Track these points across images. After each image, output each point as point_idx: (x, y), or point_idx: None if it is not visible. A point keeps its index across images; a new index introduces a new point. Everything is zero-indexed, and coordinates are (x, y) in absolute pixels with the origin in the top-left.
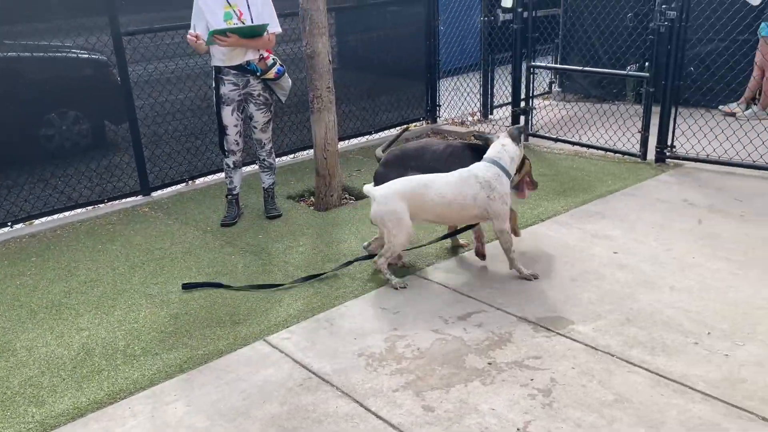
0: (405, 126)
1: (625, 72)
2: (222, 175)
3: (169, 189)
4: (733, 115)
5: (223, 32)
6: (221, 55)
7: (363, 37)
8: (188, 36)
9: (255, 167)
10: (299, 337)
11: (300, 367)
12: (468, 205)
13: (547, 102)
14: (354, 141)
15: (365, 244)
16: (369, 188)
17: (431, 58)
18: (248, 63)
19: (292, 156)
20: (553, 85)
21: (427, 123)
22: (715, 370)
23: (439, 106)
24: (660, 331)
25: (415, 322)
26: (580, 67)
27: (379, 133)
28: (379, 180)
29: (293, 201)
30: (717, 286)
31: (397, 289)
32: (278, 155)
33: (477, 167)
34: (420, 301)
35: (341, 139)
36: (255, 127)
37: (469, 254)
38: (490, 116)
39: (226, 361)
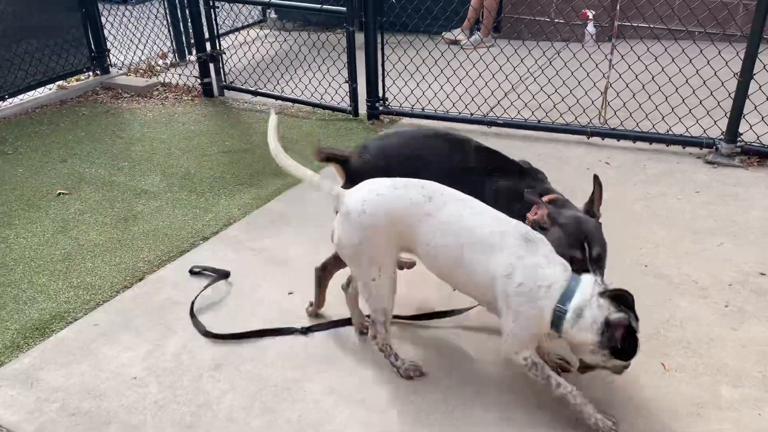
0: None
1: (318, 6)
2: None
3: None
4: (457, 42)
5: None
6: None
7: None
8: None
9: None
10: None
11: None
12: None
13: (262, 32)
14: None
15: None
16: (339, 190)
17: None
18: None
19: None
20: (269, 12)
21: (95, 75)
22: None
23: (108, 50)
24: None
25: None
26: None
27: (16, 98)
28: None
29: None
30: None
31: (411, 378)
32: None
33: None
34: None
35: None
36: None
37: None
38: (189, 57)
39: None
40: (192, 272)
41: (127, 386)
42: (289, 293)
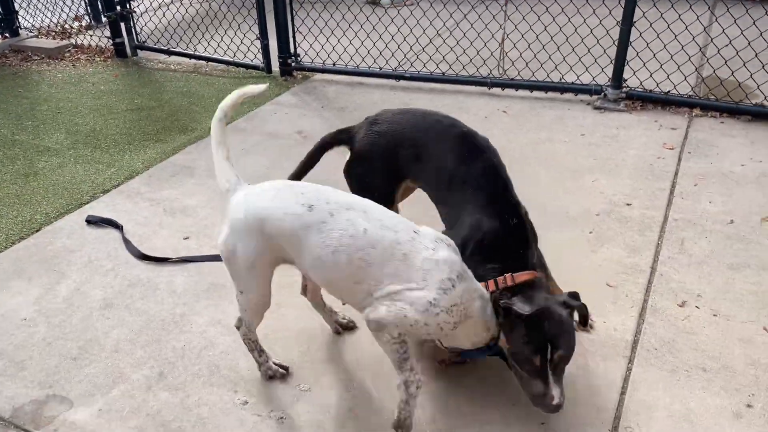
0: None
1: None
2: None
3: None
4: (376, 3)
5: None
6: None
7: None
8: None
9: None
10: None
11: None
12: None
13: None
14: None
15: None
16: (228, 186)
17: None
18: None
19: None
20: None
21: (4, 38)
22: None
23: (16, 12)
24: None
25: None
26: None
27: None
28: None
29: None
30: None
31: (273, 377)
32: None
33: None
34: None
35: None
36: None
37: None
38: (104, 19)
39: None
40: (89, 222)
41: (15, 327)
42: (185, 238)
